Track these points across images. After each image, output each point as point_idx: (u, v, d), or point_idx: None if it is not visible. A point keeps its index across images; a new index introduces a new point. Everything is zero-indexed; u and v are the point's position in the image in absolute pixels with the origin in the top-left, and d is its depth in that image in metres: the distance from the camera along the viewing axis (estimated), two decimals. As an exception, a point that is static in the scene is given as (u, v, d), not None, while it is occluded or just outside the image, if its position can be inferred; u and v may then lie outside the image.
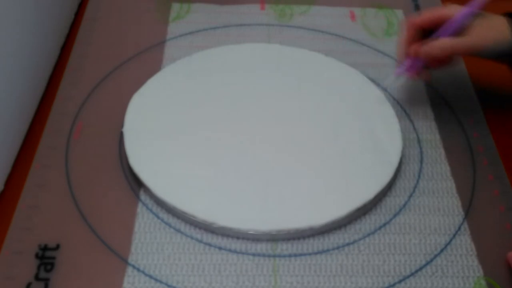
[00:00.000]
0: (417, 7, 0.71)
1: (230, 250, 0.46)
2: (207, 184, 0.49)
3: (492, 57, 0.54)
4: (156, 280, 0.44)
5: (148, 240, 0.46)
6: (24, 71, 0.54)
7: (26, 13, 0.54)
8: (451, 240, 0.48)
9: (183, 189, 0.49)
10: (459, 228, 0.49)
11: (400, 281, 0.45)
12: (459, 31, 0.52)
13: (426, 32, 0.53)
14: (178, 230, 0.47)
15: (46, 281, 0.43)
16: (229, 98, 0.57)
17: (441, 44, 0.52)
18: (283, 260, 0.46)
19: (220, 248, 0.46)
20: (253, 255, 0.46)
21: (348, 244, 0.47)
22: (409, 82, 0.57)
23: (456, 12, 0.52)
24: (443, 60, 0.54)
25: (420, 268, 0.46)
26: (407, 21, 0.54)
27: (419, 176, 0.52)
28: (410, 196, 0.51)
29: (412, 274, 0.45)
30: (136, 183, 0.50)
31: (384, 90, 0.59)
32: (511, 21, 0.52)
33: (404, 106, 0.59)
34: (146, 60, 0.62)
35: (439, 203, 0.50)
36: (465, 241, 0.48)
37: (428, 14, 0.53)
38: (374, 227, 0.48)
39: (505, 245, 0.47)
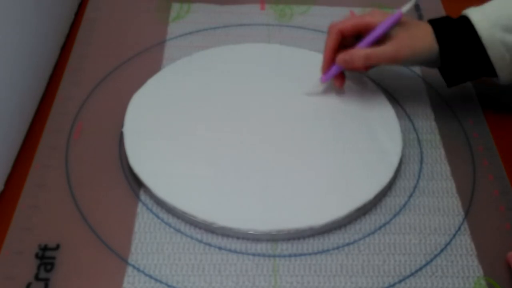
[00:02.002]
0: (417, 7, 0.71)
1: (230, 250, 0.46)
2: (207, 184, 0.49)
3: (415, 65, 0.54)
4: (156, 280, 0.44)
5: (148, 240, 0.46)
6: (24, 71, 0.54)
7: (26, 13, 0.54)
8: (451, 240, 0.48)
9: (183, 189, 0.49)
10: (459, 228, 0.49)
11: (400, 281, 0.45)
12: (381, 39, 0.52)
13: (351, 38, 0.54)
14: (178, 230, 0.47)
15: (46, 281, 0.43)
16: (229, 98, 0.57)
17: (357, 54, 0.52)
18: (283, 260, 0.46)
19: (220, 248, 0.46)
20: (253, 255, 0.46)
21: (348, 244, 0.47)
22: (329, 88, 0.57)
23: (376, 19, 0.52)
24: (363, 67, 0.54)
25: (420, 268, 0.46)
26: (331, 28, 0.53)
27: (419, 176, 0.52)
28: (410, 196, 0.51)
29: (412, 274, 0.45)
30: (136, 183, 0.50)
31: (385, 90, 0.59)
32: (435, 28, 0.51)
33: (404, 106, 0.59)
34: (146, 60, 0.62)
35: (439, 203, 0.50)
36: (465, 241, 0.48)
37: (352, 21, 0.53)
38: (374, 227, 0.48)
39: (505, 245, 0.47)
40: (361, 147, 0.53)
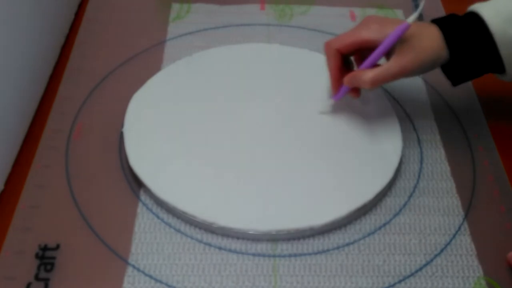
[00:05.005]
0: (417, 7, 0.71)
1: (230, 250, 0.46)
2: (207, 184, 0.49)
3: (424, 73, 0.51)
4: (156, 280, 0.44)
5: (148, 240, 0.46)
6: (24, 71, 0.54)
7: (26, 13, 0.54)
8: (451, 240, 0.48)
9: (183, 189, 0.49)
10: (459, 228, 0.49)
11: (400, 281, 0.45)
12: (386, 55, 0.49)
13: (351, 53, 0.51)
14: (178, 230, 0.47)
15: (46, 281, 0.43)
16: (229, 98, 0.57)
17: (363, 78, 0.49)
18: (283, 260, 0.46)
19: (220, 248, 0.46)
20: (253, 255, 0.46)
21: (348, 244, 0.47)
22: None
23: (376, 35, 0.48)
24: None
25: (420, 268, 0.46)
26: (329, 49, 0.51)
27: (419, 176, 0.52)
28: (410, 196, 0.51)
29: (412, 274, 0.45)
30: (136, 183, 0.50)
31: (385, 90, 0.59)
32: (444, 32, 0.48)
33: (404, 106, 0.59)
34: (146, 60, 0.62)
35: (439, 203, 0.50)
36: (465, 241, 0.48)
37: (349, 40, 0.50)
38: (374, 227, 0.48)
39: (505, 245, 0.47)
40: (361, 147, 0.53)
